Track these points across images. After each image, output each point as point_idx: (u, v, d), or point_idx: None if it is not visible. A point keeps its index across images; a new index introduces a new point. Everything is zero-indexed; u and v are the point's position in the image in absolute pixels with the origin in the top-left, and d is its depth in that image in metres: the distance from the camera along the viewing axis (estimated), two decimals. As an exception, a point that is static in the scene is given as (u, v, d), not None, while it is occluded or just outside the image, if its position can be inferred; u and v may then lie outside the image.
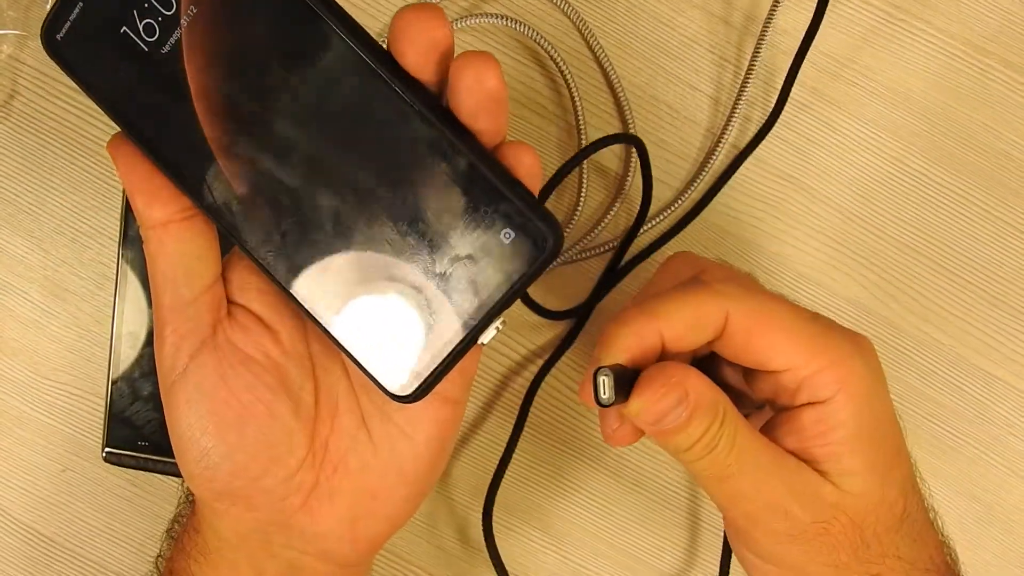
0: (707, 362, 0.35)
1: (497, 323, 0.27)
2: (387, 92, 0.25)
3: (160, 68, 0.26)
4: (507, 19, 0.44)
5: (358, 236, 0.26)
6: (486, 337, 0.27)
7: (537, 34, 0.44)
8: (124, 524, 0.44)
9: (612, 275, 0.44)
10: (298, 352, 0.30)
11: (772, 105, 0.43)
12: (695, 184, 0.45)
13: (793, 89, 0.43)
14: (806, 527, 0.31)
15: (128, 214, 0.42)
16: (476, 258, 0.26)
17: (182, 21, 0.26)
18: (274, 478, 0.30)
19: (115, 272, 0.43)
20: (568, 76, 0.44)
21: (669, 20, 0.45)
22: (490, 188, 0.25)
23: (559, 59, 0.44)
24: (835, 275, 0.45)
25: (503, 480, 0.44)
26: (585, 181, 0.44)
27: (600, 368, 0.28)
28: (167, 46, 0.26)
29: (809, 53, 0.42)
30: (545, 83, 0.45)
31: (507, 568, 0.42)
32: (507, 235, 0.25)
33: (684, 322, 0.30)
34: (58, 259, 0.44)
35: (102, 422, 0.43)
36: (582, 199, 0.44)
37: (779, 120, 0.44)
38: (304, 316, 0.28)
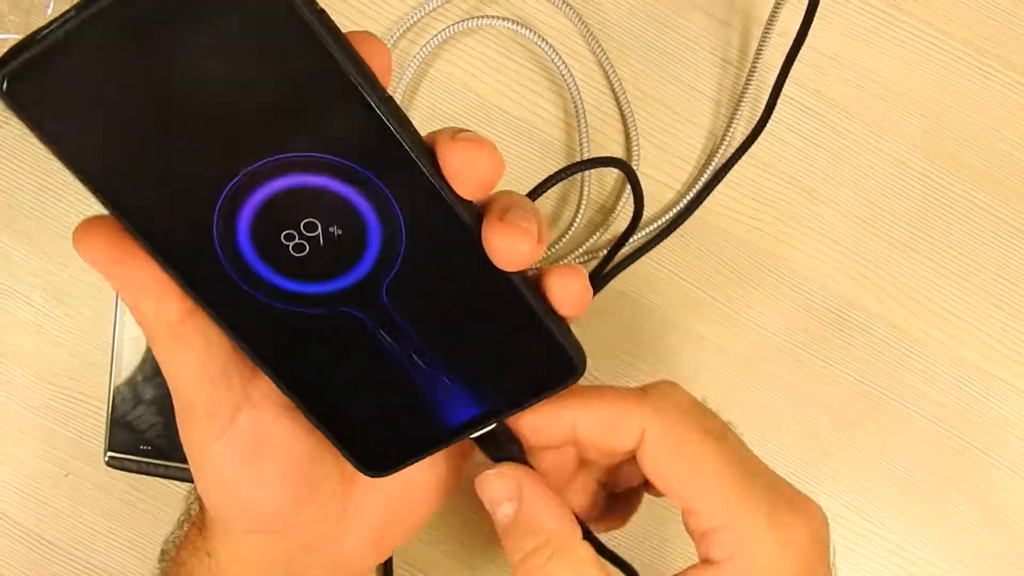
0: None
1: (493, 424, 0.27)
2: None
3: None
4: (508, 21, 0.44)
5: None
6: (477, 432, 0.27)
7: (539, 36, 0.43)
8: (127, 528, 0.44)
9: (595, 280, 0.44)
10: None
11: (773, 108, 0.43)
12: (696, 187, 0.45)
13: (795, 91, 0.43)
14: None
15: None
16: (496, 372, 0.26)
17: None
18: (310, 511, 0.29)
19: (117, 276, 0.43)
20: (569, 79, 0.44)
21: (671, 23, 0.45)
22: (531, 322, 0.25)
23: (560, 61, 0.44)
24: (837, 276, 0.45)
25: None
26: (587, 190, 0.44)
27: (496, 420, 0.27)
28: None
29: (810, 55, 0.42)
30: (547, 86, 0.45)
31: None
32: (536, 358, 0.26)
33: (597, 421, 0.28)
34: (60, 263, 0.44)
35: (104, 426, 0.43)
36: (581, 209, 0.44)
37: (781, 122, 0.44)
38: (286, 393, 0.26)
